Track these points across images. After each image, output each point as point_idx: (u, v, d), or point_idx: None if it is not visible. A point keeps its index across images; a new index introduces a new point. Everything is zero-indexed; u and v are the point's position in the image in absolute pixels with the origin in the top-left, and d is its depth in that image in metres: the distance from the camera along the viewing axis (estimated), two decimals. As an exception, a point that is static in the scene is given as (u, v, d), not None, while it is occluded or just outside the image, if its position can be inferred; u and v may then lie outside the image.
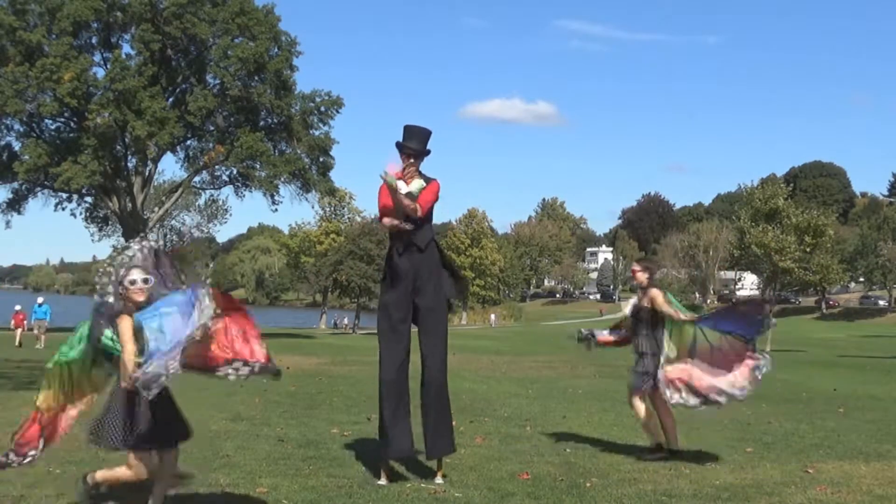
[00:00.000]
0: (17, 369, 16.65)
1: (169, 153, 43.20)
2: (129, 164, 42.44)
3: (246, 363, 4.42)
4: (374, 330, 8.18)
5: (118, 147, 40.61)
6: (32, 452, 4.80)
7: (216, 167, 43.63)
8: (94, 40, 40.77)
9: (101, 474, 4.95)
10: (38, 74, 35.84)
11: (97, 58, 40.27)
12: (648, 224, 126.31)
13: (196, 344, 4.27)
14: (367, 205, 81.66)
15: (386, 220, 6.13)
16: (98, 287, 4.75)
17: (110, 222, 46.73)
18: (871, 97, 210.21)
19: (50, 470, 6.36)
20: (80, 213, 45.03)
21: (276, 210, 67.30)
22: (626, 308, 7.67)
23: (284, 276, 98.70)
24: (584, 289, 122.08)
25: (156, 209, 47.73)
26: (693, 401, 7.02)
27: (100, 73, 39.17)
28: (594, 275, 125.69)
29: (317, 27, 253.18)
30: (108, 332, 4.58)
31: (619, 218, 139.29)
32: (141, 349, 4.39)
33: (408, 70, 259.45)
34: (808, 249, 31.59)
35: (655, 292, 7.28)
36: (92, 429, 4.70)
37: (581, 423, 9.53)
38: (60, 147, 38.10)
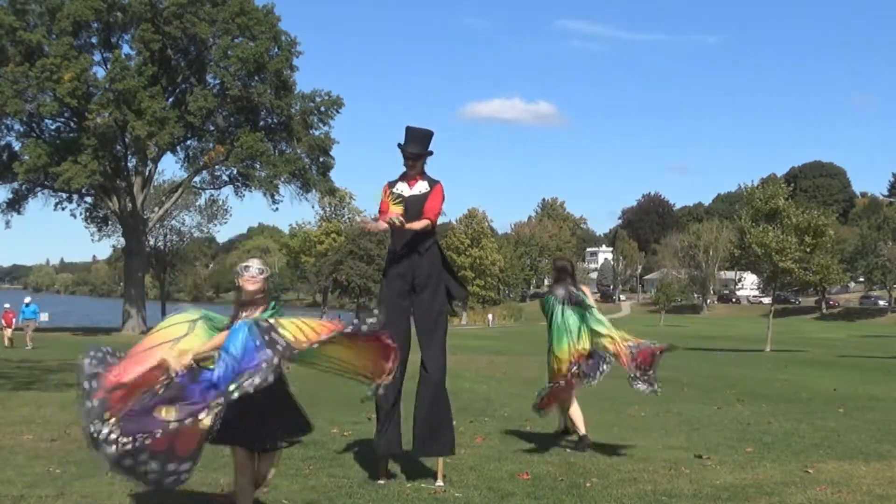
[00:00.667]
0: (17, 369, 16.67)
1: (169, 153, 43.31)
2: (129, 164, 42.49)
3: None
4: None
5: (118, 147, 40.64)
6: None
7: (216, 167, 43.67)
8: (94, 40, 40.90)
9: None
10: (38, 74, 35.85)
11: (97, 58, 40.40)
12: (648, 224, 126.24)
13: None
14: (367, 205, 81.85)
15: (382, 221, 6.18)
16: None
17: (110, 222, 46.77)
18: (871, 97, 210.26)
19: (50, 470, 6.37)
20: (80, 213, 45.12)
21: (277, 210, 67.30)
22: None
23: (285, 276, 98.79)
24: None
25: (156, 209, 47.76)
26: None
27: (100, 73, 39.30)
28: (594, 275, 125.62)
29: (317, 27, 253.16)
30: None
31: (619, 218, 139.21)
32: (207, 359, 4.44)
33: (408, 70, 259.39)
34: (808, 249, 31.56)
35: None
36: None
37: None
38: (60, 147, 38.10)
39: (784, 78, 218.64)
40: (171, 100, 41.22)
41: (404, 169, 6.32)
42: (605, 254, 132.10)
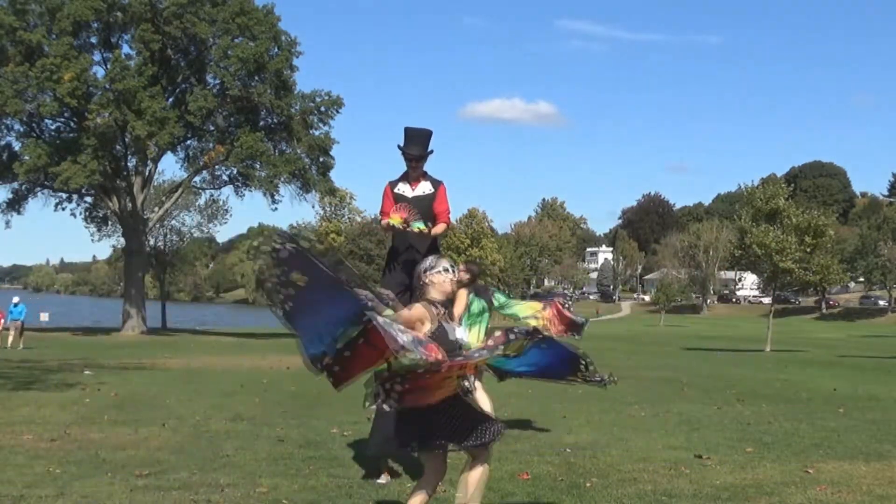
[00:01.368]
0: (17, 369, 16.67)
1: (169, 153, 43.26)
2: (129, 164, 42.47)
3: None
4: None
5: (118, 147, 40.63)
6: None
7: (216, 167, 43.65)
8: (94, 40, 40.83)
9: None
10: (38, 74, 35.84)
11: (97, 58, 40.32)
12: (648, 224, 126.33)
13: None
14: (367, 205, 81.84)
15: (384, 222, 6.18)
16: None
17: (110, 222, 46.75)
18: (871, 97, 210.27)
19: (50, 470, 6.37)
20: (80, 213, 45.07)
21: (276, 210, 67.33)
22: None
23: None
24: (584, 289, 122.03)
25: (156, 209, 47.72)
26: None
27: (100, 73, 39.24)
28: (594, 275, 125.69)
29: (317, 27, 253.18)
30: None
31: (619, 218, 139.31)
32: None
33: (408, 70, 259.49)
34: (808, 250, 31.54)
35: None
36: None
37: (581, 423, 9.52)
38: (60, 147, 38.07)
39: (784, 78, 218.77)
40: (171, 100, 41.21)
41: (405, 169, 6.31)
42: (605, 254, 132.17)
